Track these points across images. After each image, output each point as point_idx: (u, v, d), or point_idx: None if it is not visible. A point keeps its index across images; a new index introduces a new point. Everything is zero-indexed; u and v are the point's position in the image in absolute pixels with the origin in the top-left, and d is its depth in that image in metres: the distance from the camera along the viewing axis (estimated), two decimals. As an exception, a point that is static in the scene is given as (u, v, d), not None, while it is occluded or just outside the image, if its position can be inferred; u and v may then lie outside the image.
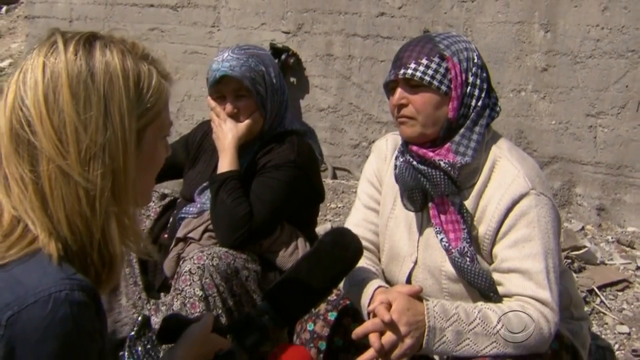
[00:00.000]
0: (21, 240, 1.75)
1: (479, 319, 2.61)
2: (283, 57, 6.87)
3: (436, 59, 2.74)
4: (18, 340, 1.64)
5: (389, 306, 2.60)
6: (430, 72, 2.72)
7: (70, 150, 1.74)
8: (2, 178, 1.79)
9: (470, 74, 2.79)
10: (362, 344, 2.65)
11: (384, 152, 3.17)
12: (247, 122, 3.58)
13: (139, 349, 3.48)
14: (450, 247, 2.80)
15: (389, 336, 2.56)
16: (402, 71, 2.75)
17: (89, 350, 1.75)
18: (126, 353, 3.45)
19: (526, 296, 2.69)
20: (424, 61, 2.73)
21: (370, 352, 2.58)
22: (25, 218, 1.76)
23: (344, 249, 2.62)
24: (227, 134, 3.56)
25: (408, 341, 2.55)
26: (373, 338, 2.58)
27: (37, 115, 1.73)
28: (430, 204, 2.86)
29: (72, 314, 1.66)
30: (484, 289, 2.78)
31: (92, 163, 1.76)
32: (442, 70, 2.74)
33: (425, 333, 2.58)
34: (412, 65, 2.73)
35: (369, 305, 2.73)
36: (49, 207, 1.76)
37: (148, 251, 2.05)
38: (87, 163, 1.76)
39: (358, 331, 2.62)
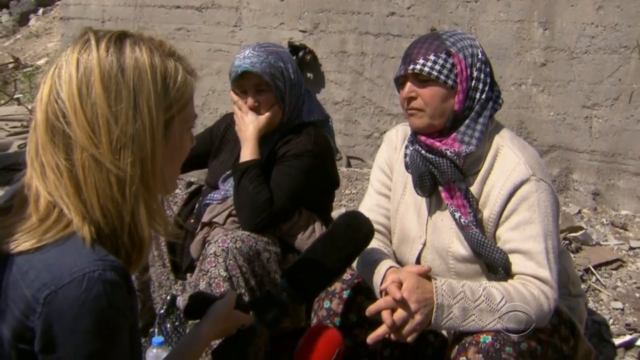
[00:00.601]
0: (56, 225, 1.78)
1: (484, 296, 2.64)
2: (300, 54, 6.87)
3: (443, 55, 2.76)
4: (55, 317, 1.68)
5: (400, 285, 2.62)
6: (437, 67, 2.75)
7: (102, 140, 1.77)
8: (39, 166, 1.82)
9: (474, 69, 2.81)
10: (375, 320, 2.67)
11: (395, 142, 3.19)
12: (267, 114, 3.59)
13: (168, 326, 3.51)
14: (469, 223, 2.81)
15: (400, 313, 2.59)
16: (411, 66, 2.78)
17: (121, 326, 1.78)
18: (156, 330, 3.47)
19: (527, 275, 2.72)
20: (432, 57, 2.76)
21: (383, 328, 2.61)
22: (60, 203, 1.79)
23: (357, 230, 2.64)
24: (249, 125, 3.58)
25: (418, 317, 2.58)
26: (385, 315, 2.60)
27: (71, 107, 1.76)
28: (440, 188, 2.88)
29: (104, 292, 1.70)
30: (498, 263, 2.79)
31: (123, 152, 1.79)
32: (448, 65, 2.76)
33: (434, 310, 2.60)
34: (421, 61, 2.76)
35: (381, 284, 2.76)
36: (82, 193, 1.79)
37: (174, 234, 2.07)
38: (118, 152, 1.79)
39: (371, 308, 2.64)
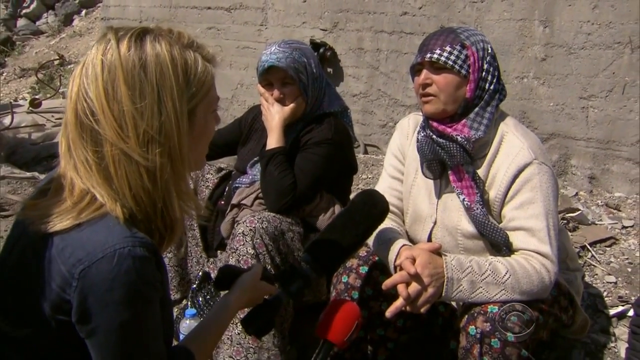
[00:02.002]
0: (89, 206, 1.79)
1: (490, 270, 2.65)
2: (321, 50, 6.88)
3: (458, 47, 2.78)
4: (89, 290, 1.70)
5: (413, 261, 2.64)
6: (452, 57, 2.77)
7: (130, 135, 1.77)
8: (71, 159, 1.83)
9: (485, 61, 2.83)
10: (390, 294, 2.70)
11: (406, 129, 3.20)
12: (291, 105, 3.61)
13: (200, 299, 3.53)
14: (472, 206, 2.83)
15: (414, 286, 2.61)
16: (428, 55, 2.80)
17: (151, 298, 1.80)
18: (189, 303, 3.49)
19: (530, 250, 2.74)
20: (448, 48, 2.78)
21: (399, 301, 2.62)
22: (93, 191, 1.80)
23: (373, 206, 2.65)
24: (275, 116, 3.59)
25: (431, 290, 2.60)
26: (401, 288, 2.62)
27: (99, 106, 1.76)
28: (449, 171, 2.89)
29: (134, 266, 1.72)
30: (499, 242, 2.81)
31: (150, 145, 1.79)
32: (462, 56, 2.78)
33: (445, 283, 2.62)
34: (438, 51, 2.78)
35: (395, 260, 2.77)
36: (113, 183, 1.80)
37: (203, 213, 2.08)
38: (145, 145, 1.78)
39: (387, 282, 2.66)
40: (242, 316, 2.48)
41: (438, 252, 2.74)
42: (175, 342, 2.27)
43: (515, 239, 2.78)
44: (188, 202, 1.96)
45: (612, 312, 3.82)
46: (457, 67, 2.77)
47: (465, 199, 2.85)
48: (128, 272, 1.70)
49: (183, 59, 1.86)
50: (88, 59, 1.82)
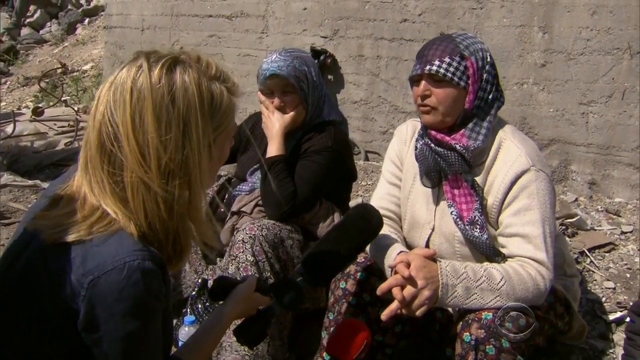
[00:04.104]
0: (101, 221, 1.81)
1: (485, 276, 2.66)
2: (322, 58, 6.87)
3: (457, 58, 2.78)
4: (97, 300, 1.72)
5: (407, 265, 2.65)
6: (452, 69, 2.77)
7: (152, 165, 1.79)
8: (87, 176, 1.85)
9: (484, 71, 2.83)
10: (387, 300, 2.70)
11: (404, 136, 3.21)
12: (292, 114, 3.63)
13: (199, 306, 3.54)
14: (458, 220, 2.85)
15: (409, 289, 2.62)
16: (427, 67, 2.80)
17: (155, 310, 1.83)
18: (188, 310, 3.51)
19: (525, 257, 2.74)
20: (447, 59, 2.78)
21: (395, 304, 2.64)
22: (106, 208, 1.82)
23: (367, 220, 2.68)
24: (275, 123, 3.61)
25: (426, 292, 2.60)
26: (396, 291, 2.64)
27: (124, 133, 1.78)
28: (444, 181, 2.90)
29: (142, 279, 1.74)
30: (488, 255, 2.84)
31: (171, 176, 1.82)
32: (462, 68, 2.78)
33: (440, 289, 2.62)
34: (437, 62, 2.78)
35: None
36: (128, 206, 1.82)
37: (215, 241, 2.09)
38: (165, 177, 1.81)
39: (382, 286, 2.68)
40: (238, 323, 2.51)
41: (433, 258, 2.76)
42: (174, 349, 2.30)
43: (512, 245, 2.79)
44: (202, 230, 1.98)
45: (610, 317, 3.83)
46: (456, 79, 2.77)
47: (454, 212, 2.87)
48: (136, 285, 1.73)
49: (209, 92, 1.88)
50: (117, 81, 1.83)
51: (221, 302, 2.43)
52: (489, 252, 2.83)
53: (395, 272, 2.69)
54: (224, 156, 2.03)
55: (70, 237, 1.78)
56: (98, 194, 1.83)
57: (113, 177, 1.80)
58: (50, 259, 1.79)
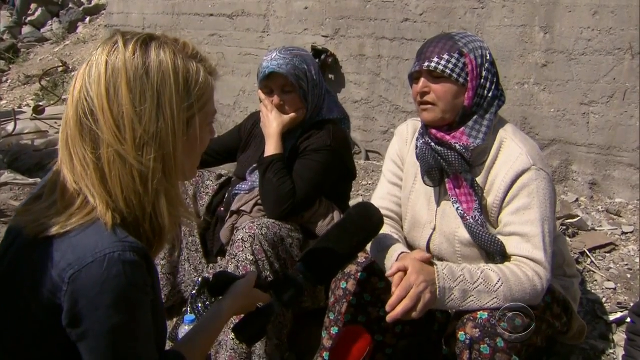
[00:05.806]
0: (81, 211, 1.81)
1: (482, 279, 2.66)
2: (323, 57, 6.88)
3: (456, 55, 2.78)
4: (79, 294, 1.71)
5: (404, 273, 2.64)
6: (450, 65, 2.76)
7: (127, 137, 1.78)
8: (68, 157, 1.85)
9: (483, 69, 2.82)
10: (388, 299, 2.68)
11: (405, 135, 3.21)
12: (291, 114, 3.63)
13: (199, 305, 3.54)
14: (466, 215, 2.84)
15: (410, 293, 2.60)
16: (426, 64, 2.79)
17: (141, 302, 1.82)
18: (188, 308, 3.51)
19: (523, 256, 2.74)
20: (446, 56, 2.77)
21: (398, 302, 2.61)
22: (85, 192, 1.82)
23: (368, 219, 2.68)
24: (273, 122, 3.61)
25: (428, 295, 2.58)
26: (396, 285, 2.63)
27: (99, 106, 1.78)
28: (446, 179, 2.89)
29: (124, 271, 1.73)
30: (494, 252, 2.82)
31: (146, 149, 1.81)
32: (460, 64, 2.77)
33: (437, 292, 2.61)
34: (436, 59, 2.78)
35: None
36: (107, 184, 1.81)
37: (193, 218, 2.09)
38: (141, 149, 1.80)
39: (392, 301, 2.61)
40: (236, 321, 2.50)
41: (429, 261, 2.75)
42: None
43: (510, 244, 2.79)
44: (178, 209, 1.97)
45: (611, 318, 3.82)
46: (455, 75, 2.77)
47: (460, 208, 2.86)
48: (118, 277, 1.72)
49: (185, 68, 1.88)
50: (93, 59, 1.84)
51: (220, 298, 2.42)
52: (496, 248, 2.80)
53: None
54: (202, 143, 2.01)
55: (52, 230, 1.77)
56: (80, 173, 1.81)
57: (94, 155, 1.80)
58: (35, 254, 1.79)
